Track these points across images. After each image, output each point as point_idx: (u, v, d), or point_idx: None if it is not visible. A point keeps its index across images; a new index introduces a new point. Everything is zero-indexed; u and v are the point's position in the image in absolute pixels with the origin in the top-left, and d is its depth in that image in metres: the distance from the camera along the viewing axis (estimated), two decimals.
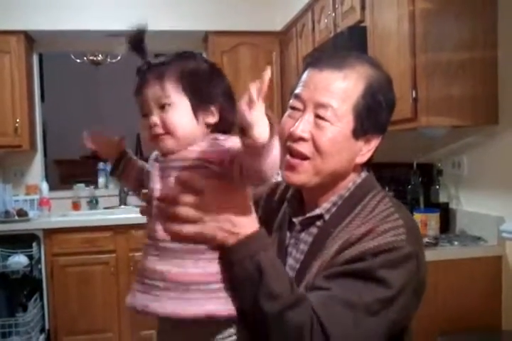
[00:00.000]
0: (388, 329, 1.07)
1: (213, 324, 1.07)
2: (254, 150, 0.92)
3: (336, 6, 3.20)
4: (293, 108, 1.19)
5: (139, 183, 1.28)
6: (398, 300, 1.06)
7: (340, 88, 1.14)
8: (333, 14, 3.24)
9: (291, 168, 1.16)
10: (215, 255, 1.07)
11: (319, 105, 1.14)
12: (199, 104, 1.10)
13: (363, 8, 2.86)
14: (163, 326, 1.16)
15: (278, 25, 4.45)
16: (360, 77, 1.15)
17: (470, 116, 2.41)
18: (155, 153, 1.17)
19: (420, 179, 2.74)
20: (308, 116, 1.14)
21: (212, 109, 1.12)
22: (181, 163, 1.09)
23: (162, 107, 1.09)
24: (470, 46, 2.39)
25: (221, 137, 1.09)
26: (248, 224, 1.08)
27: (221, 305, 1.06)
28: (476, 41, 2.39)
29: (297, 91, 1.19)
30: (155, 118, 1.08)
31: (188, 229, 1.05)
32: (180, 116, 1.09)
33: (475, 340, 2.20)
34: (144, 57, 1.15)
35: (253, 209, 1.12)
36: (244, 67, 4.47)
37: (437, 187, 2.74)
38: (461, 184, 2.70)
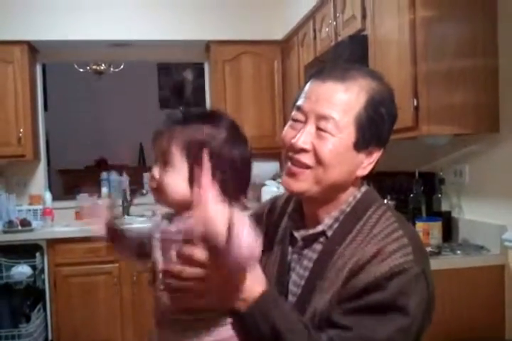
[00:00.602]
0: None
1: None
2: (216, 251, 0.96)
3: (337, 15, 3.20)
4: (295, 120, 1.19)
5: (139, 250, 1.28)
6: (416, 323, 1.08)
7: (342, 100, 1.14)
8: (334, 23, 3.25)
9: (292, 175, 1.17)
10: (227, 320, 1.10)
11: (321, 117, 1.14)
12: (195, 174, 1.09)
13: (363, 16, 2.86)
14: None
15: (279, 34, 4.46)
16: (362, 89, 1.15)
17: (471, 124, 2.40)
18: (159, 214, 1.22)
19: (422, 188, 2.72)
20: (310, 128, 1.15)
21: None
22: (181, 236, 1.09)
23: (165, 164, 1.12)
24: (471, 54, 2.39)
25: None
26: (255, 286, 1.09)
27: None
28: (476, 49, 2.39)
29: (299, 103, 1.19)
30: (155, 172, 1.12)
31: (196, 303, 1.07)
32: (175, 179, 1.12)
33: None
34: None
35: (256, 269, 1.12)
36: (246, 76, 4.50)
37: (439, 195, 2.73)
38: (463, 193, 2.69)
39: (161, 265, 1.12)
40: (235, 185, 1.13)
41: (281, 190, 3.57)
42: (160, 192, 1.12)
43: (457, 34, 2.37)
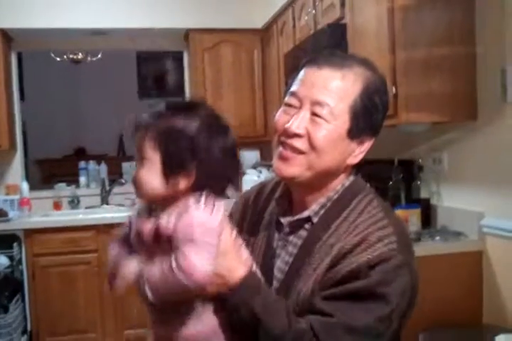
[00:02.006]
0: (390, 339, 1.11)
1: None
2: None
3: (316, 3, 3.20)
4: (288, 105, 1.19)
5: None
6: (397, 312, 1.09)
7: (338, 87, 1.14)
8: (314, 11, 3.24)
9: (284, 159, 1.17)
10: (211, 307, 1.11)
11: (316, 103, 1.14)
12: (169, 167, 1.09)
13: (342, 5, 2.85)
14: None
15: (259, 23, 4.44)
16: (358, 77, 1.16)
17: (449, 112, 2.42)
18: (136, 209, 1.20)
19: (401, 175, 2.74)
20: (305, 113, 1.15)
21: (183, 173, 1.09)
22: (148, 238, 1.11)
23: (141, 158, 1.11)
24: (449, 42, 2.40)
25: (188, 208, 1.08)
26: (236, 269, 1.11)
27: None
28: (454, 37, 2.40)
29: (293, 88, 1.19)
30: (134, 172, 1.12)
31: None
32: (148, 173, 1.10)
33: (456, 335, 2.21)
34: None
35: (241, 249, 1.15)
36: (225, 65, 4.48)
37: (418, 183, 2.76)
38: (441, 180, 2.72)
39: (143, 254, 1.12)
40: (217, 175, 1.12)
41: (262, 178, 3.59)
42: (137, 187, 1.12)
43: (435, 22, 2.38)
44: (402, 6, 2.36)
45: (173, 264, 1.02)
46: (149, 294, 1.03)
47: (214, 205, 1.09)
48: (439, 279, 2.29)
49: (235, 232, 1.15)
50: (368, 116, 1.16)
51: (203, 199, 1.09)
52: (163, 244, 1.08)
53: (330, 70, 1.15)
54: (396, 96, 2.36)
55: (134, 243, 1.15)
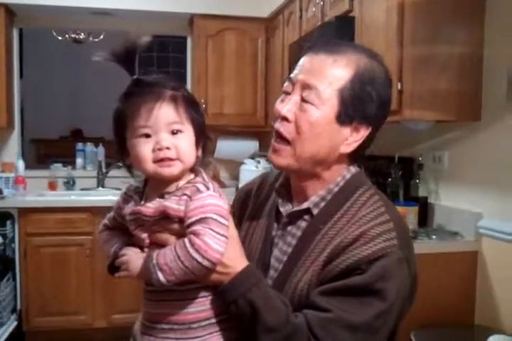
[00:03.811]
0: (387, 336, 1.11)
1: None
2: None
3: None
4: (285, 92, 1.20)
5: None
6: (394, 308, 1.08)
7: (328, 71, 1.14)
8: (322, 3, 3.21)
9: (275, 151, 1.18)
10: (212, 292, 1.11)
11: (305, 86, 1.15)
12: (199, 136, 1.12)
13: None
14: None
15: (265, 12, 4.40)
16: (350, 63, 1.15)
17: (453, 111, 2.42)
18: (124, 192, 1.20)
19: (400, 172, 2.75)
20: (295, 97, 1.16)
21: (203, 142, 1.15)
22: (150, 218, 1.10)
23: (173, 133, 1.08)
24: (457, 41, 2.40)
25: (199, 191, 1.08)
26: (236, 262, 1.11)
27: (225, 338, 1.11)
28: (463, 36, 2.40)
29: (291, 75, 1.20)
30: (168, 142, 1.08)
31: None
32: (189, 145, 1.10)
33: (448, 334, 2.23)
34: (133, 73, 1.13)
35: (239, 242, 1.15)
36: (229, 53, 4.44)
37: (417, 181, 2.76)
38: (441, 179, 2.72)
39: (145, 237, 1.12)
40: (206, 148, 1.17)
41: (260, 169, 3.59)
42: (178, 161, 1.09)
43: (445, 20, 2.37)
44: (413, 2, 2.35)
45: (187, 243, 1.02)
46: (160, 276, 1.02)
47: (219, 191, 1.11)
48: (433, 278, 2.30)
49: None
50: (359, 103, 1.14)
51: (210, 184, 1.10)
52: (166, 225, 1.09)
53: (324, 56, 1.16)
54: (401, 93, 2.35)
55: (129, 225, 1.14)
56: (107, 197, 4.05)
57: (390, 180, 2.74)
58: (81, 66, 7.62)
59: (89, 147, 4.78)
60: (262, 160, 4.11)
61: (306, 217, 1.20)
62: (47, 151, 7.08)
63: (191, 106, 1.12)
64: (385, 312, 1.06)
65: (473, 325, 2.38)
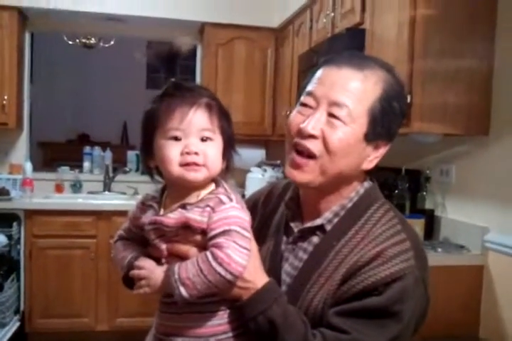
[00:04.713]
0: None
1: None
2: None
3: (336, 7, 3.19)
4: (304, 105, 1.16)
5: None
6: (409, 328, 1.08)
7: (358, 88, 1.11)
8: (332, 14, 3.23)
9: (296, 166, 1.14)
10: (229, 305, 1.10)
11: (334, 103, 1.11)
12: (227, 147, 1.13)
13: (363, 10, 2.84)
14: None
15: (275, 22, 4.44)
16: (379, 80, 1.13)
17: (462, 125, 2.42)
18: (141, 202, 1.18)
19: (407, 185, 2.75)
20: (321, 114, 1.11)
21: (229, 154, 1.15)
22: (171, 229, 1.08)
23: (203, 139, 1.09)
24: (468, 55, 2.40)
25: (222, 203, 1.08)
26: (257, 277, 1.09)
27: None
28: (474, 50, 2.41)
29: (310, 88, 1.15)
30: (197, 147, 1.07)
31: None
32: (217, 153, 1.10)
33: None
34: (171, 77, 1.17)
35: (258, 257, 1.12)
36: (238, 62, 4.48)
37: (424, 193, 2.76)
38: (448, 192, 2.72)
39: (164, 248, 1.11)
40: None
41: (266, 177, 3.60)
42: (204, 167, 1.08)
43: (456, 34, 2.38)
44: (424, 15, 2.36)
45: (210, 257, 1.02)
46: (183, 291, 1.01)
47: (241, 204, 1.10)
48: (438, 291, 2.27)
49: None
50: (386, 120, 1.12)
51: (232, 195, 1.10)
52: (188, 236, 1.08)
53: (350, 71, 1.12)
54: (410, 106, 2.35)
55: (147, 235, 1.13)
56: (113, 201, 4.08)
57: (396, 192, 2.74)
58: (90, 71, 7.67)
59: (97, 151, 4.80)
60: (269, 169, 4.12)
61: (318, 232, 1.18)
62: (53, 155, 7.11)
63: (224, 117, 1.12)
64: (399, 334, 1.06)
65: (477, 339, 2.37)
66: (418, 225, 2.53)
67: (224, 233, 1.03)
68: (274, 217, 1.31)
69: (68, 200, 4.21)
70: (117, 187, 4.52)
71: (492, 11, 2.42)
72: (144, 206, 1.16)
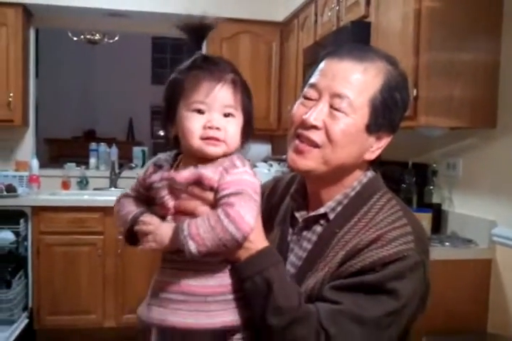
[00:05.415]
0: (397, 337, 1.11)
1: (223, 332, 1.11)
2: None
3: (340, 0, 3.18)
4: (307, 97, 1.18)
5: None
6: (407, 309, 1.08)
7: (359, 80, 1.13)
8: (337, 8, 3.22)
9: (299, 152, 1.16)
10: (229, 267, 1.11)
11: (335, 95, 1.13)
12: (246, 125, 1.14)
13: (368, 3, 2.83)
14: (165, 337, 1.16)
15: (280, 16, 4.43)
16: (380, 72, 1.15)
17: (469, 118, 2.41)
18: (153, 163, 1.18)
19: (414, 178, 2.74)
20: (323, 106, 1.14)
21: (248, 131, 1.15)
22: (182, 185, 1.09)
23: (225, 115, 1.10)
24: (474, 48, 2.39)
25: (236, 167, 1.09)
26: (259, 240, 1.10)
27: (236, 315, 1.09)
28: (480, 43, 2.39)
29: (313, 80, 1.18)
30: (219, 123, 1.09)
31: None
32: (237, 130, 1.12)
33: None
34: (199, 48, 1.16)
35: (261, 224, 1.13)
36: (243, 56, 4.46)
37: (431, 187, 2.75)
38: (455, 186, 2.71)
39: (172, 205, 1.11)
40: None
41: (272, 172, 3.58)
42: (223, 143, 1.10)
43: (461, 27, 2.36)
44: (430, 8, 2.35)
45: (221, 214, 1.03)
46: (192, 247, 1.02)
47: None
48: (445, 285, 2.29)
49: None
50: (388, 111, 1.14)
51: (246, 161, 1.12)
52: (198, 192, 1.09)
53: (351, 62, 1.14)
54: (416, 99, 2.35)
55: (155, 194, 1.14)
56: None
57: (403, 186, 2.73)
58: (95, 67, 7.68)
59: (103, 147, 4.81)
60: (275, 164, 4.11)
61: (322, 221, 1.20)
62: (59, 151, 7.13)
63: (247, 95, 1.14)
64: (396, 312, 1.06)
65: (485, 333, 2.37)
66: (425, 219, 2.52)
67: (236, 193, 1.05)
68: (280, 209, 1.33)
69: (75, 197, 4.22)
70: (123, 183, 4.51)
71: (498, 3, 2.40)
72: (155, 167, 1.18)
